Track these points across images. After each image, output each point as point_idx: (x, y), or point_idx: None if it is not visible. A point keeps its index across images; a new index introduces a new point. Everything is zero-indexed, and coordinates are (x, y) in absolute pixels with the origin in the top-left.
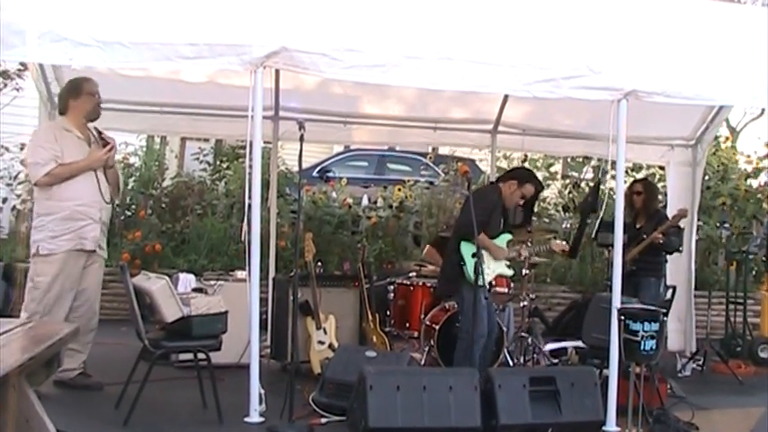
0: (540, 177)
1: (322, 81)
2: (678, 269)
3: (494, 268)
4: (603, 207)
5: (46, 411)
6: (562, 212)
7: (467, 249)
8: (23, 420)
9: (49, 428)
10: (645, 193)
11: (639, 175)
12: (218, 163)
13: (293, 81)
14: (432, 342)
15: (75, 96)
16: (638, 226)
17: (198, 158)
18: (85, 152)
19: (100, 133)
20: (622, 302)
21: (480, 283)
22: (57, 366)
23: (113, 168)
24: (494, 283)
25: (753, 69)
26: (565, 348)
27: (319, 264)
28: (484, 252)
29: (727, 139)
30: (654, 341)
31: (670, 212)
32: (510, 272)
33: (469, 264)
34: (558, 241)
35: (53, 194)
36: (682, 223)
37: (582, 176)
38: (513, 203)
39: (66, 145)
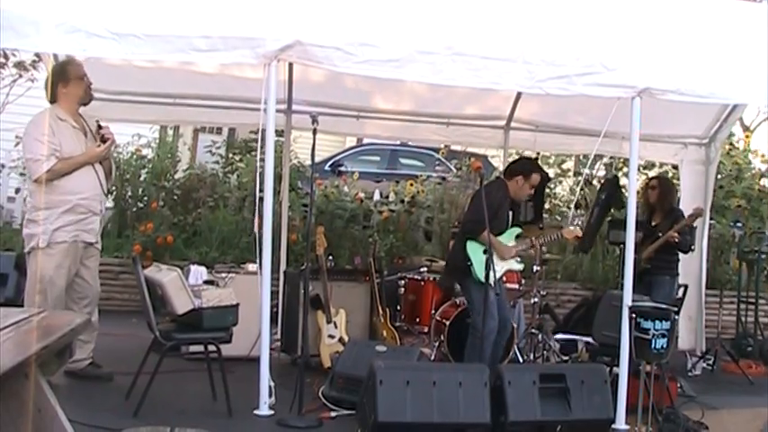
0: (552, 174)
1: (335, 74)
2: (689, 268)
3: (503, 265)
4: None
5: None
6: (573, 209)
7: (473, 248)
8: (36, 410)
9: (61, 418)
10: (659, 189)
11: (652, 173)
12: (230, 156)
13: (306, 74)
14: (442, 337)
15: (65, 83)
16: (653, 224)
17: (210, 151)
18: (81, 142)
19: (99, 126)
20: (634, 300)
21: (490, 279)
22: (69, 356)
23: (108, 159)
24: (504, 279)
25: (765, 68)
26: (574, 342)
27: (330, 258)
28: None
29: (741, 138)
30: (665, 340)
31: (683, 210)
32: (520, 266)
33: (476, 263)
34: (570, 228)
35: (55, 188)
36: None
37: (594, 173)
38: (523, 196)
39: (63, 136)
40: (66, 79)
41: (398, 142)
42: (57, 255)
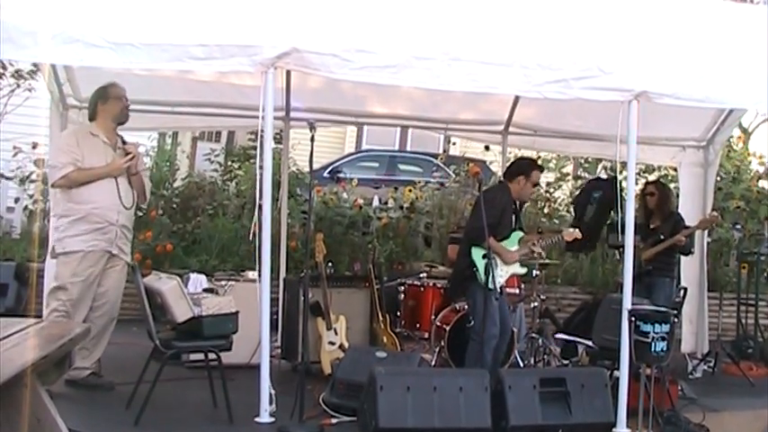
0: (552, 178)
1: (332, 81)
2: (688, 271)
3: (507, 269)
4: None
5: (57, 410)
6: (573, 213)
7: (477, 254)
8: (35, 419)
9: (60, 427)
10: (658, 194)
11: (651, 177)
12: (229, 163)
13: (303, 80)
14: (442, 343)
15: (104, 101)
16: (652, 226)
17: (209, 159)
18: (110, 157)
19: (124, 142)
20: (633, 303)
21: (491, 285)
22: (68, 366)
23: (138, 175)
24: (504, 284)
25: (764, 72)
26: (574, 345)
27: (330, 264)
28: (495, 255)
29: (739, 138)
30: (665, 342)
31: (682, 213)
32: (523, 270)
33: (482, 268)
34: (569, 230)
35: (72, 197)
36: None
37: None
38: (527, 196)
39: (88, 149)
40: (106, 97)
41: (397, 148)
42: (72, 263)
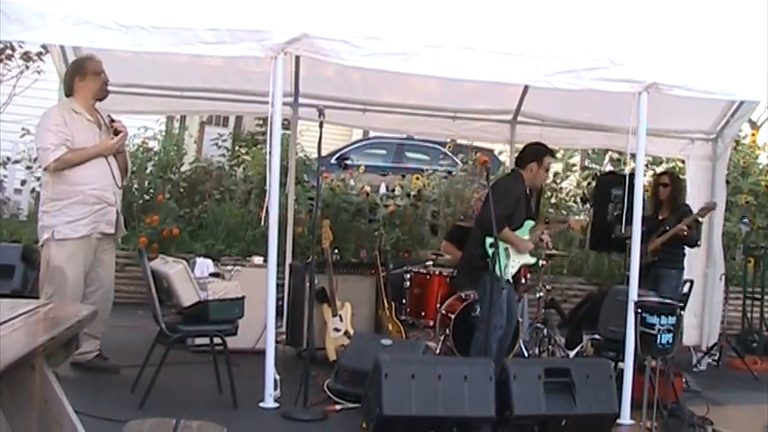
0: (559, 169)
1: (342, 68)
2: (694, 264)
3: (518, 260)
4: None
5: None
6: (580, 204)
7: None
8: (42, 401)
9: (67, 409)
10: (671, 185)
11: (659, 169)
12: (236, 149)
13: (313, 67)
14: (447, 331)
15: (82, 77)
16: (660, 218)
17: (216, 144)
18: (95, 135)
19: (112, 120)
20: (639, 295)
21: (499, 274)
22: (75, 348)
23: (123, 153)
24: (522, 273)
25: None
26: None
27: (336, 251)
28: (508, 245)
29: (748, 134)
30: (670, 335)
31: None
32: (533, 260)
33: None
34: (576, 217)
35: (66, 179)
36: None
37: (602, 168)
38: (541, 182)
39: (75, 128)
40: (84, 73)
41: (405, 136)
42: (69, 245)
